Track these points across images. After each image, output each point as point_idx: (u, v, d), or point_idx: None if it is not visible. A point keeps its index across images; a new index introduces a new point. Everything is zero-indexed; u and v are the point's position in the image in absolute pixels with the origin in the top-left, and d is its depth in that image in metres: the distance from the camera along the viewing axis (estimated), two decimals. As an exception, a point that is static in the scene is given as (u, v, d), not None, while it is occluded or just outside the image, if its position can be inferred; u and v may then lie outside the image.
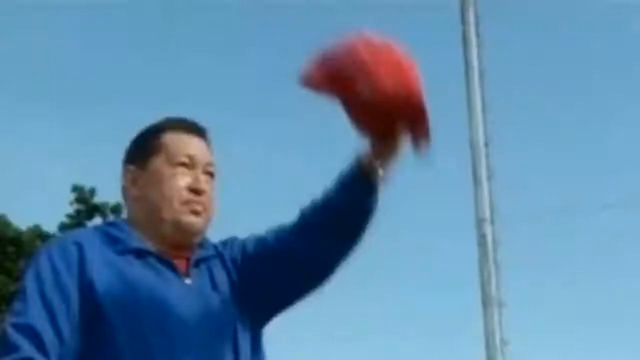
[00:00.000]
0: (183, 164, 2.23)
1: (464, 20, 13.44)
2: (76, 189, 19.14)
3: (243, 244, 2.31)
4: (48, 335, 2.04)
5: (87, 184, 19.07)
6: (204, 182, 2.24)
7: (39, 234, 21.21)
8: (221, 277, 2.27)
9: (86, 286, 2.10)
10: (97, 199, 18.99)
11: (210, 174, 2.28)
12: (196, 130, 2.30)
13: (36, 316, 2.05)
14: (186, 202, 2.20)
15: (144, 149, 2.27)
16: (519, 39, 21.75)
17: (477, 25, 13.40)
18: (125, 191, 2.29)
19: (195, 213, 2.21)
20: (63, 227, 18.56)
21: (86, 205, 19.11)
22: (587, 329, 19.30)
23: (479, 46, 13.32)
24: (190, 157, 2.24)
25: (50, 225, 19.41)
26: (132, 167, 2.27)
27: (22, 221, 19.57)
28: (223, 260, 2.29)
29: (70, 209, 19.18)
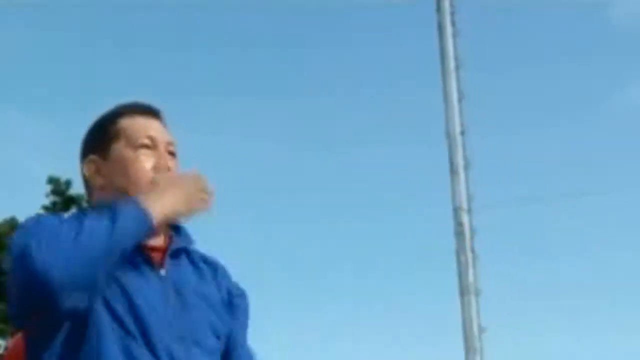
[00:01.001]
0: (145, 146, 2.21)
1: (439, 9, 13.46)
2: (52, 180, 19.04)
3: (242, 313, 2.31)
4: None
5: (63, 175, 18.98)
6: (167, 160, 2.22)
7: (14, 226, 21.10)
8: (208, 277, 2.25)
9: None
10: (73, 191, 18.90)
11: (172, 154, 2.25)
12: (151, 111, 2.28)
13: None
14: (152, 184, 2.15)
15: (102, 137, 2.23)
16: (494, 27, 21.79)
17: (452, 14, 13.42)
18: (88, 182, 2.26)
19: None
20: (39, 219, 18.46)
21: (62, 197, 19.01)
22: (564, 316, 19.44)
23: (454, 35, 13.35)
24: (150, 137, 2.22)
25: (25, 218, 19.28)
26: (94, 157, 2.24)
27: (-3, 213, 19.45)
28: (215, 276, 2.27)
29: (46, 201, 19.08)
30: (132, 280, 2.10)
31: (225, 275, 2.31)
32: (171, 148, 2.25)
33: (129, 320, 2.06)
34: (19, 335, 3.20)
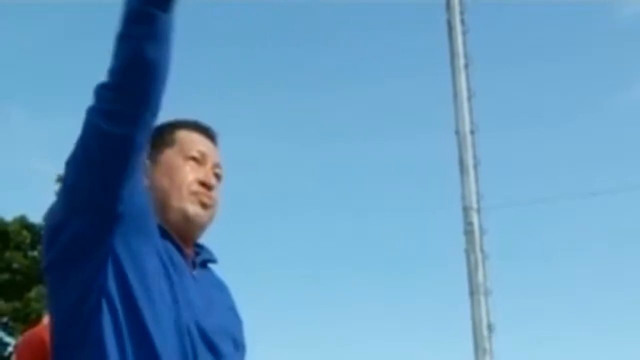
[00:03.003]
0: (194, 159, 2.29)
1: (449, 7, 13.44)
2: (61, 179, 19.08)
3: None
4: None
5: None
6: (213, 179, 2.29)
7: (24, 225, 21.16)
8: (225, 292, 2.34)
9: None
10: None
11: (218, 176, 2.33)
12: (208, 132, 2.37)
13: None
14: (195, 193, 2.24)
15: (157, 142, 2.28)
16: (504, 25, 21.78)
17: (462, 12, 13.40)
18: None
19: (203, 205, 2.25)
20: (49, 218, 18.52)
21: (72, 196, 19.06)
22: (572, 315, 19.40)
23: (464, 33, 13.33)
24: (201, 153, 2.30)
25: (36, 216, 19.37)
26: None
27: (7, 212, 19.52)
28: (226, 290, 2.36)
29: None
30: (170, 269, 2.13)
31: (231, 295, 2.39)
32: (218, 170, 2.33)
33: (160, 311, 2.05)
34: (32, 331, 3.20)
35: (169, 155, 2.28)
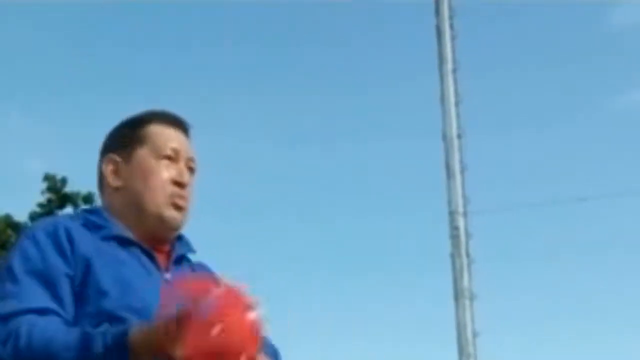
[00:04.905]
0: (168, 157, 2.25)
1: (437, 12, 13.46)
2: (47, 178, 19.03)
3: None
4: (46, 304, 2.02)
5: (58, 173, 18.97)
6: (187, 176, 2.26)
7: (9, 223, 21.10)
8: None
9: (77, 269, 2.07)
10: (69, 189, 18.90)
11: (192, 170, 2.30)
12: (181, 124, 2.32)
13: (30, 295, 2.02)
14: (170, 196, 2.21)
15: (128, 139, 2.26)
16: (492, 30, 21.80)
17: (450, 17, 13.43)
18: (103, 180, 2.28)
19: (178, 208, 2.22)
20: (34, 216, 18.48)
21: (57, 195, 19.01)
22: (558, 321, 19.43)
23: (452, 39, 13.36)
24: (175, 150, 2.26)
25: (21, 215, 19.30)
26: (114, 157, 2.26)
27: (-8, 210, 19.45)
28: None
29: (42, 198, 19.07)
30: (142, 278, 2.12)
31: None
32: (191, 164, 2.30)
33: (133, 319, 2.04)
34: None
35: (142, 155, 2.24)
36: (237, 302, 1.85)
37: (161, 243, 2.23)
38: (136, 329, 1.92)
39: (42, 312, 2.00)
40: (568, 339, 19.57)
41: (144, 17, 23.65)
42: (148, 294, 2.05)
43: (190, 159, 2.29)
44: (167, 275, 2.18)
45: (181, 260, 2.28)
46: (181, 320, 1.81)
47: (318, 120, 23.63)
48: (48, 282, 2.05)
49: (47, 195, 19.11)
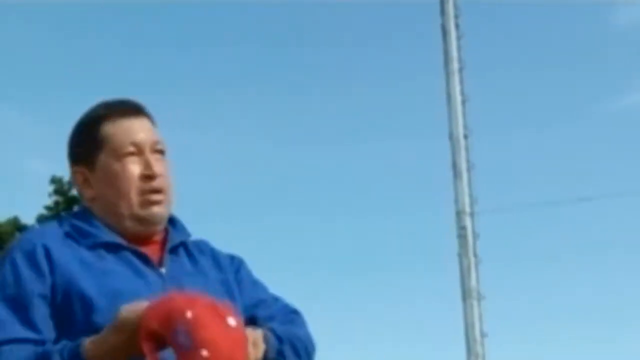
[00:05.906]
0: (130, 154, 2.16)
1: (443, 12, 13.45)
2: (55, 180, 19.04)
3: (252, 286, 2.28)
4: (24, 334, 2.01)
5: (65, 175, 19.00)
6: (155, 164, 2.17)
7: (17, 226, 21.12)
8: (207, 265, 2.23)
9: (58, 287, 2.05)
10: (76, 191, 18.94)
11: (161, 152, 2.21)
12: (134, 111, 2.21)
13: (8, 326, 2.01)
14: (141, 194, 2.14)
15: (86, 146, 2.19)
16: (498, 30, 21.78)
17: (456, 17, 13.41)
18: (79, 192, 2.25)
19: (154, 203, 2.16)
20: (41, 219, 18.48)
21: (64, 197, 19.02)
22: (565, 320, 19.38)
23: (458, 38, 13.34)
24: (134, 144, 2.16)
25: (28, 217, 19.32)
26: (80, 169, 2.21)
27: (0, 213, 19.47)
28: (213, 259, 2.25)
29: (49, 201, 19.09)
30: (132, 282, 2.08)
31: (219, 254, 2.29)
32: (158, 147, 2.20)
33: None
34: None
35: (104, 160, 2.16)
36: (214, 318, 1.83)
37: (150, 237, 2.17)
38: (89, 338, 1.95)
39: (8, 342, 2.00)
40: (576, 339, 19.53)
41: (145, 18, 23.67)
42: (140, 298, 2.01)
43: (154, 143, 2.19)
44: (163, 270, 2.14)
45: (177, 248, 2.21)
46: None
47: (323, 120, 23.60)
48: (20, 307, 2.03)
49: (55, 198, 19.12)
